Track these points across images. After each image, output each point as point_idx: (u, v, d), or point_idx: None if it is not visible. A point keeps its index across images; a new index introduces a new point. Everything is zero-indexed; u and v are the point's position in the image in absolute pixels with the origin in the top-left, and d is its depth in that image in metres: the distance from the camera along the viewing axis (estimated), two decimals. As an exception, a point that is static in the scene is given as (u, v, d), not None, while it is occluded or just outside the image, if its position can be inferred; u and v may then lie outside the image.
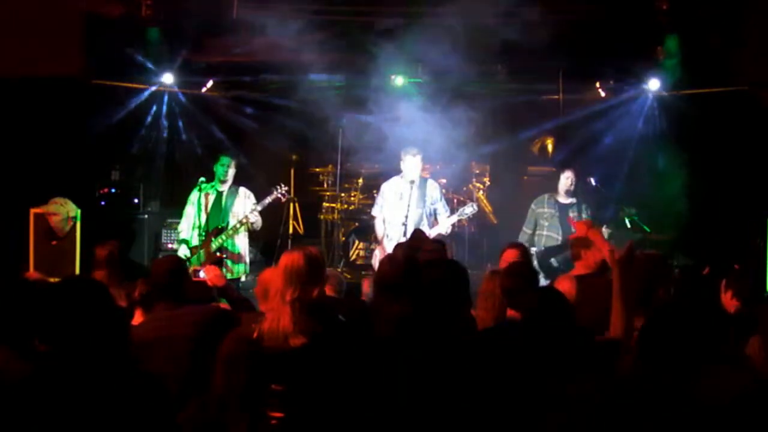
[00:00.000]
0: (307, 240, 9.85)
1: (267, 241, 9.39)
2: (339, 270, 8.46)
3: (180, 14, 8.38)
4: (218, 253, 6.89)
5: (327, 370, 2.99)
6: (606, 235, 6.63)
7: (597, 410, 2.61)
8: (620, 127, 9.42)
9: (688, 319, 2.60)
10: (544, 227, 7.16)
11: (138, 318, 3.95)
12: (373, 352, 3.18)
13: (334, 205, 9.72)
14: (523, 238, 7.14)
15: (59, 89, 7.79)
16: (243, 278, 7.20)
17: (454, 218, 7.18)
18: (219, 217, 7.01)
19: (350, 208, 9.64)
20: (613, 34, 8.36)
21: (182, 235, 7.13)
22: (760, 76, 8.12)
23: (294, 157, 10.14)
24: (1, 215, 7.20)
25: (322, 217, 9.85)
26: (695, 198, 8.57)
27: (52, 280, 4.36)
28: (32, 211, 6.88)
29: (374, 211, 7.43)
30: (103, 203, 9.16)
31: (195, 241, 6.97)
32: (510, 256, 5.15)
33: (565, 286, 4.37)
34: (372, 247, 8.66)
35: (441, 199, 7.32)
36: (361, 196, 9.62)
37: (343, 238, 9.59)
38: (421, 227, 6.82)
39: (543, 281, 5.72)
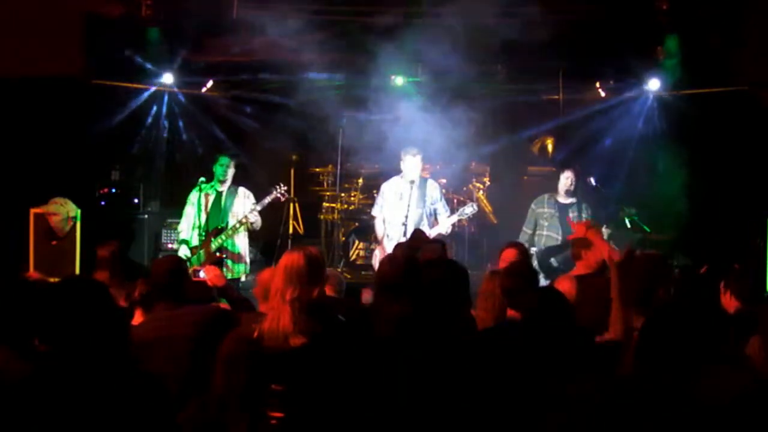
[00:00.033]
0: (307, 240, 9.84)
1: (267, 241, 9.39)
2: (339, 270, 8.46)
3: (180, 14, 8.38)
4: (218, 253, 6.89)
5: (327, 370, 2.99)
6: (606, 235, 6.63)
7: (597, 410, 2.61)
8: (620, 127, 9.43)
9: (688, 319, 2.60)
10: (544, 227, 7.16)
11: (138, 318, 3.95)
12: (373, 352, 3.18)
13: (334, 205, 9.72)
14: (523, 238, 7.14)
15: (59, 89, 7.79)
16: (243, 278, 7.20)
17: (454, 218, 7.18)
18: (218, 217, 7.01)
19: (350, 208, 9.64)
20: (613, 34, 8.36)
21: (182, 236, 7.13)
22: (760, 76, 8.12)
23: (294, 157, 10.13)
24: (1, 215, 7.20)
25: (322, 217, 9.84)
26: (695, 198, 8.57)
27: (52, 280, 4.36)
28: (32, 211, 6.88)
29: (374, 211, 7.43)
30: (103, 203, 9.16)
31: (195, 242, 6.97)
32: (509, 255, 5.16)
33: (565, 286, 4.37)
34: (372, 247, 8.66)
35: (441, 199, 7.32)
36: (361, 196, 9.62)
37: (343, 238, 9.59)
38: (421, 227, 6.83)
39: (543, 281, 5.72)
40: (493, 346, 3.33)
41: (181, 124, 9.74)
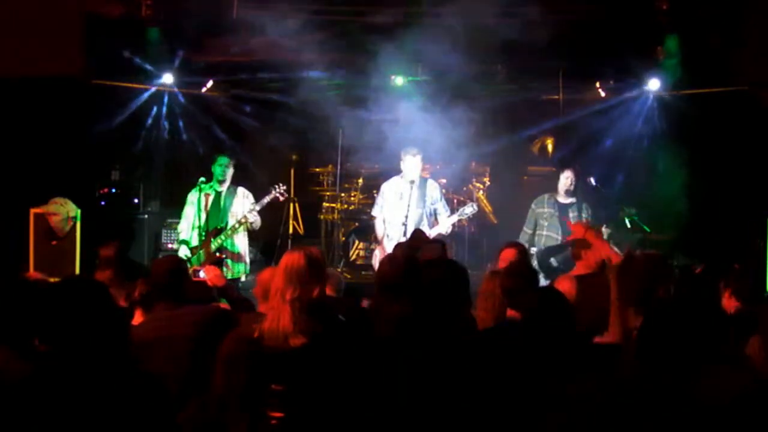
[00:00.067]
0: (307, 240, 9.85)
1: (267, 241, 9.40)
2: (339, 270, 8.46)
3: (180, 14, 8.37)
4: (218, 254, 6.89)
5: (327, 370, 2.99)
6: (606, 235, 6.64)
7: (597, 410, 2.61)
8: (620, 127, 9.42)
9: (688, 319, 2.60)
10: (544, 227, 7.17)
11: (138, 318, 3.95)
12: (373, 352, 3.18)
13: (334, 205, 9.72)
14: (523, 238, 7.14)
15: (59, 89, 7.78)
16: (243, 278, 7.20)
17: (454, 218, 7.18)
18: (218, 218, 7.00)
19: (350, 208, 9.64)
20: (613, 34, 8.35)
21: (182, 236, 7.13)
22: (760, 76, 8.11)
23: (294, 157, 10.14)
24: (1, 215, 7.20)
25: (322, 217, 9.85)
26: (695, 198, 8.57)
27: (52, 280, 4.36)
28: (32, 211, 6.88)
29: (374, 211, 7.43)
30: (103, 203, 9.16)
31: (195, 242, 6.97)
32: (508, 255, 5.16)
33: (565, 286, 4.37)
34: (372, 247, 8.66)
35: (441, 199, 7.32)
36: (361, 196, 9.62)
37: (343, 238, 9.59)
38: (421, 227, 6.83)
39: (543, 281, 5.72)
40: (493, 346, 3.33)
41: (181, 124, 9.73)
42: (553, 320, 3.30)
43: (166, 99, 9.50)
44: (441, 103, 8.94)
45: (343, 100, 9.40)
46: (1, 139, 7.60)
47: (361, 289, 6.57)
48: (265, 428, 2.93)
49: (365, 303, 5.32)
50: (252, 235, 7.37)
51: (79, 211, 7.03)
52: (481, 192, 9.68)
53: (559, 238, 7.02)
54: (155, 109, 9.46)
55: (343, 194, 9.68)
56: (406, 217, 6.98)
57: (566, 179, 7.21)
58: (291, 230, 9.98)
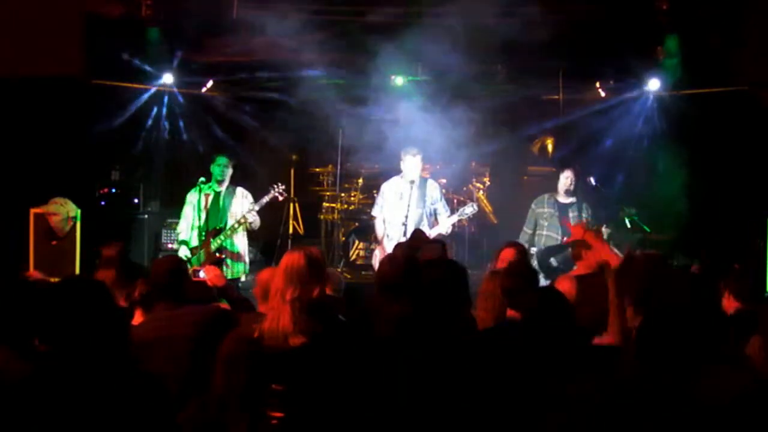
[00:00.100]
0: (307, 240, 9.85)
1: (267, 241, 9.40)
2: (339, 270, 8.46)
3: (180, 14, 8.37)
4: (218, 254, 6.89)
5: (327, 369, 2.99)
6: (606, 235, 6.63)
7: (597, 410, 2.61)
8: (620, 127, 9.42)
9: (688, 319, 2.60)
10: (544, 227, 7.17)
11: (138, 318, 3.95)
12: (373, 352, 3.18)
13: (334, 205, 9.72)
14: (523, 238, 7.14)
15: (59, 89, 7.79)
16: (243, 278, 7.19)
17: (455, 218, 7.18)
18: (217, 218, 7.00)
19: (350, 208, 9.64)
20: (613, 34, 8.35)
21: (181, 236, 7.13)
22: (760, 76, 8.11)
23: (294, 156, 10.14)
24: (1, 215, 7.20)
25: (322, 217, 9.85)
26: (695, 198, 8.57)
27: (52, 280, 4.36)
28: (32, 211, 6.88)
29: (374, 211, 7.43)
30: (103, 203, 9.16)
31: (195, 242, 6.96)
32: (507, 255, 5.15)
33: (565, 286, 4.37)
34: (372, 247, 8.66)
35: (441, 199, 7.32)
36: (361, 196, 9.62)
37: (343, 238, 9.59)
38: (421, 227, 6.83)
39: (543, 281, 5.72)
40: (493, 346, 3.33)
41: (181, 124, 9.73)
42: (553, 320, 3.30)
43: (166, 99, 9.50)
44: (441, 103, 8.94)
45: (343, 99, 9.40)
46: (1, 139, 7.60)
47: (361, 289, 6.58)
48: (265, 428, 2.93)
49: None
50: (252, 235, 7.37)
51: (79, 211, 7.03)
52: (481, 192, 9.68)
53: (559, 238, 7.02)
54: (155, 109, 9.46)
55: (343, 194, 9.68)
56: (406, 217, 6.98)
57: (566, 179, 7.20)
58: (291, 230, 9.98)
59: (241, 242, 7.09)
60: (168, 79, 9.07)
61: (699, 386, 2.47)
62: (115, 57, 8.34)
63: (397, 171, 7.29)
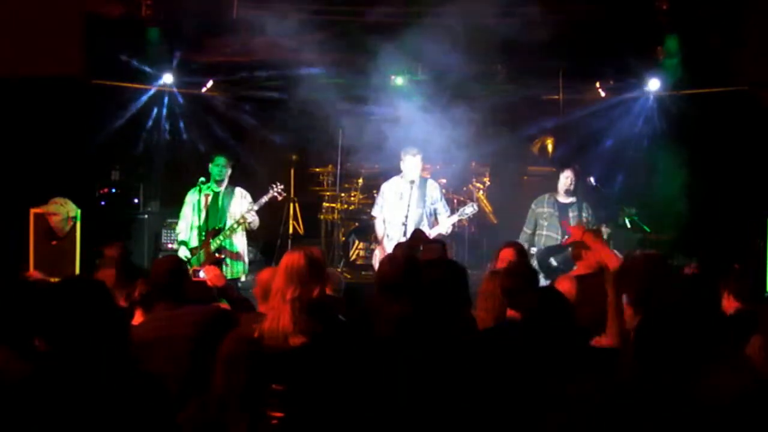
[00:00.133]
0: (307, 240, 9.85)
1: (267, 241, 9.40)
2: (339, 270, 8.46)
3: (180, 14, 8.37)
4: (218, 254, 6.89)
5: (327, 369, 2.99)
6: (606, 235, 6.64)
7: (597, 410, 2.61)
8: (620, 127, 9.43)
9: (687, 319, 2.60)
10: (544, 227, 7.17)
11: (138, 318, 3.95)
12: (373, 352, 3.18)
13: (334, 205, 9.72)
14: (523, 238, 7.14)
15: (59, 89, 7.78)
16: (242, 278, 7.19)
17: (455, 218, 7.18)
18: (216, 218, 7.00)
19: (350, 208, 9.64)
20: (613, 34, 8.35)
21: (181, 237, 7.13)
22: (760, 76, 8.11)
23: (294, 156, 10.14)
24: (1, 215, 7.20)
25: (322, 217, 9.85)
26: (695, 198, 8.56)
27: (52, 280, 4.36)
28: (32, 211, 6.88)
29: (374, 211, 7.43)
30: (103, 203, 9.16)
31: (195, 242, 6.97)
32: (507, 255, 5.16)
33: (565, 286, 4.37)
34: (372, 247, 8.66)
35: (441, 199, 7.32)
36: (361, 196, 9.62)
37: (343, 238, 9.59)
38: (421, 227, 6.83)
39: (543, 281, 5.72)
40: (493, 346, 3.33)
41: (181, 124, 9.73)
42: (553, 320, 3.30)
43: (166, 99, 9.51)
44: (441, 103, 8.94)
45: (343, 99, 9.40)
46: (1, 139, 7.60)
47: (361, 289, 6.58)
48: (265, 428, 2.93)
49: None
50: (252, 235, 7.36)
51: (79, 211, 7.03)
52: (481, 192, 9.68)
53: (559, 238, 7.03)
54: (155, 109, 9.46)
55: (343, 194, 9.68)
56: (406, 217, 6.98)
57: (566, 179, 7.21)
58: (291, 230, 9.98)
59: (240, 242, 7.09)
60: (168, 79, 9.07)
61: (699, 386, 2.47)
62: (115, 57, 8.35)
63: (397, 171, 7.29)
